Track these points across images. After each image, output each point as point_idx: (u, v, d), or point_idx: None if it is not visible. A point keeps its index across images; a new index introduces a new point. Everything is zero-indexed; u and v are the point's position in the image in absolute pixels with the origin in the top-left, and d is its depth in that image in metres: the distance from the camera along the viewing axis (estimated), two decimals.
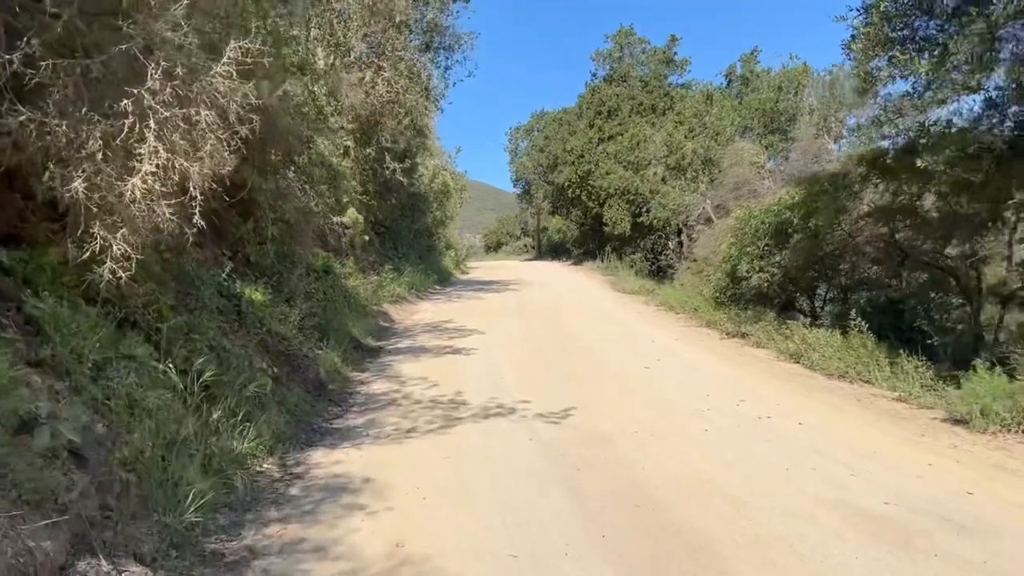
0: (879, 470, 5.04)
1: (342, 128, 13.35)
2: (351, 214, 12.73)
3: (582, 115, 34.15)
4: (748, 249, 13.02)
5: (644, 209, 27.57)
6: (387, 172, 18.14)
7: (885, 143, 10.27)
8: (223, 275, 7.15)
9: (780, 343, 9.84)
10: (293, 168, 10.19)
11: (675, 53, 30.35)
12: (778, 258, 12.88)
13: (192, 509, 3.74)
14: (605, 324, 13.25)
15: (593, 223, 36.37)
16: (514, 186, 46.25)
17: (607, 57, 32.06)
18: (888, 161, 9.85)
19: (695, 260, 23.37)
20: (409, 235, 23.04)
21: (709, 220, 23.58)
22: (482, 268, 35.74)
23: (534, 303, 17.17)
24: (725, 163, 18.06)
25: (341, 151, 12.93)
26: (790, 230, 12.78)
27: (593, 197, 30.82)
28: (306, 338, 8.63)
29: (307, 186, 11.07)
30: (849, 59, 8.96)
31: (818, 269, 12.56)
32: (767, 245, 12.96)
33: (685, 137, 23.44)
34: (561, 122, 38.08)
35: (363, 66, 14.25)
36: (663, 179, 24.29)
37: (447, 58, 17.33)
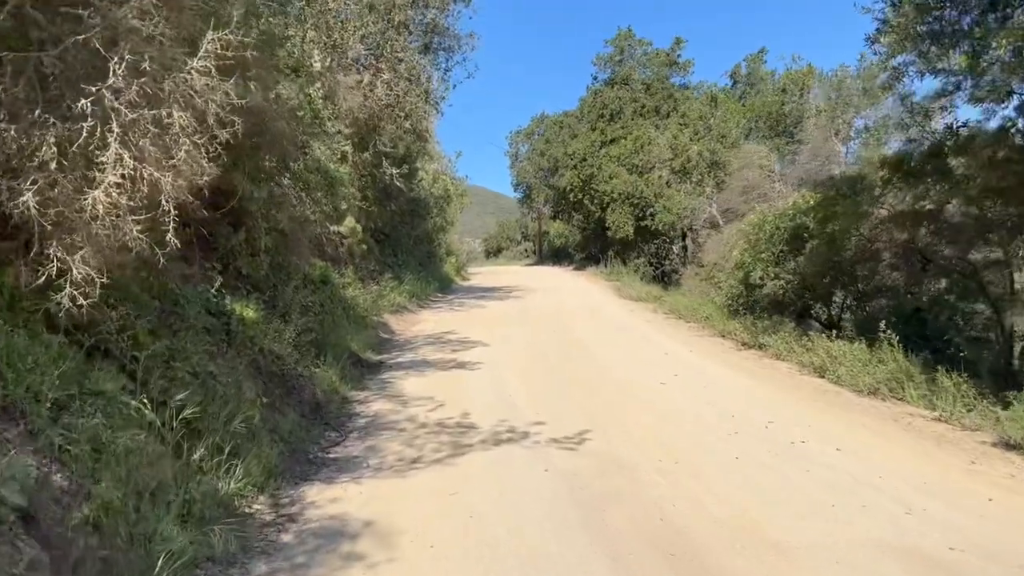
0: (936, 506, 4.54)
1: (339, 133, 12.87)
2: (349, 222, 12.24)
3: (583, 118, 33.71)
4: (763, 255, 12.54)
5: (648, 213, 27.12)
6: (386, 178, 17.65)
7: (910, 145, 9.81)
8: (212, 291, 6.66)
9: (801, 355, 9.34)
10: (288, 175, 9.71)
11: (679, 55, 29.92)
12: (792, 264, 12.42)
13: (166, 573, 3.23)
14: (614, 333, 12.75)
15: (595, 227, 35.90)
16: (515, 190, 45.85)
17: (607, 61, 31.64)
18: (913, 164, 9.36)
19: (702, 266, 22.95)
20: (409, 242, 22.56)
21: (715, 225, 23.16)
22: (483, 274, 35.24)
23: (538, 311, 16.67)
24: (734, 166, 17.59)
25: (338, 156, 12.45)
26: (805, 235, 12.32)
27: (596, 201, 30.36)
28: (302, 356, 8.14)
29: (303, 193, 10.58)
30: (875, 54, 8.47)
31: (835, 276, 12.07)
32: (782, 251, 12.49)
33: (690, 139, 22.98)
34: (562, 125, 37.65)
35: (361, 68, 13.77)
36: (668, 183, 23.82)
37: (447, 60, 16.88)
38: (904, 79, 8.29)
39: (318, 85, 13.38)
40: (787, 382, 8.46)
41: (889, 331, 8.29)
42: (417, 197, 23.36)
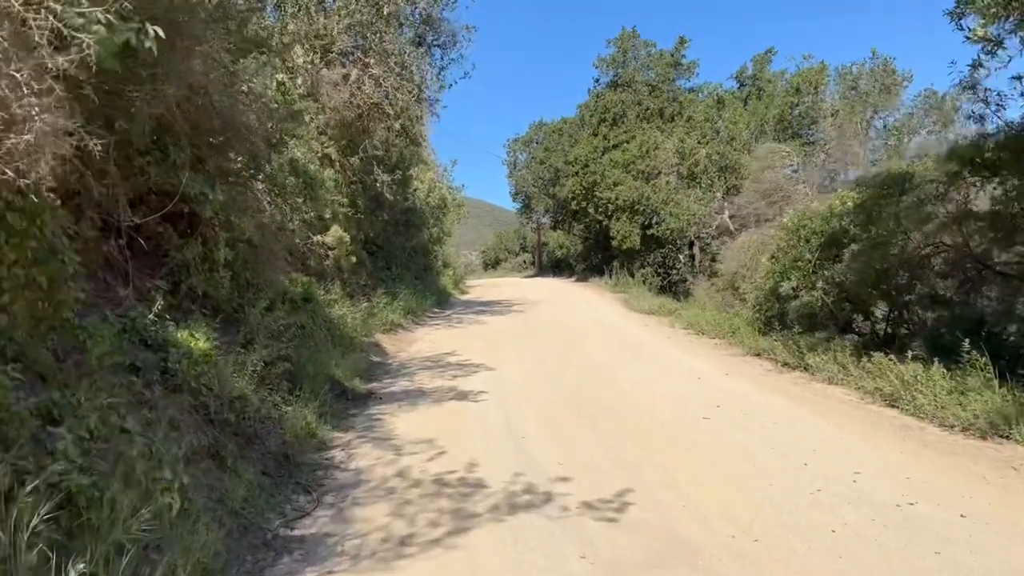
0: None
1: (323, 133, 11.56)
2: (335, 232, 10.88)
3: (584, 124, 32.50)
4: (799, 263, 11.19)
5: (655, 221, 25.83)
6: (377, 185, 16.32)
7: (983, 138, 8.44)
8: (150, 316, 5.26)
9: (861, 380, 7.96)
10: (261, 176, 8.35)
11: (683, 56, 28.73)
12: (829, 273, 11.09)
13: None
14: (633, 353, 11.36)
15: (598, 237, 34.61)
16: (513, 200, 44.57)
17: (610, 63, 30.43)
18: (991, 155, 8.02)
19: (715, 275, 21.64)
20: (404, 254, 21.18)
21: (727, 231, 21.86)
22: (481, 286, 33.88)
23: (544, 327, 15.30)
24: (753, 167, 16.31)
25: (321, 158, 11.11)
26: (845, 239, 11.00)
27: (600, 209, 29.09)
28: (271, 391, 6.74)
29: (279, 199, 9.22)
30: (960, 27, 7.07)
31: (883, 285, 10.71)
32: (819, 258, 11.15)
33: (698, 143, 21.71)
34: (561, 132, 36.47)
35: (347, 62, 12.47)
36: (675, 188, 22.53)
37: (442, 56, 15.57)
38: (998, 53, 6.90)
39: (300, 80, 12.07)
40: (855, 415, 7.06)
41: (973, 351, 6.93)
42: (412, 207, 22.02)
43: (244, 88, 7.59)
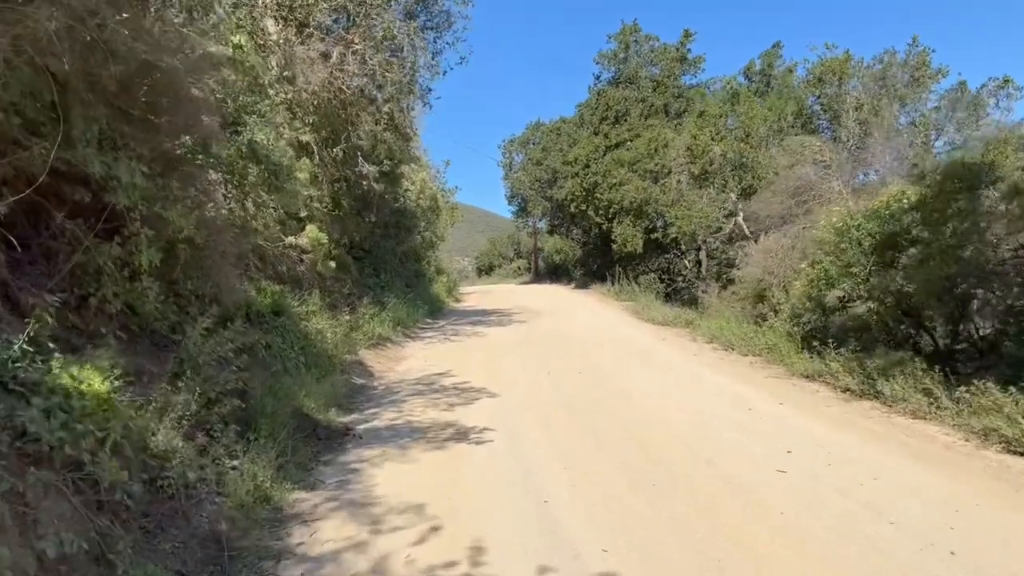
0: None
1: (298, 118, 9.95)
2: (312, 232, 9.20)
3: (584, 123, 30.99)
4: (851, 269, 9.64)
5: (661, 224, 24.33)
6: (363, 183, 14.69)
7: None
8: (16, 347, 3.62)
9: (959, 415, 6.38)
10: (213, 161, 6.71)
11: (688, 50, 27.26)
12: (885, 280, 9.56)
13: None
14: (662, 375, 9.76)
15: (598, 241, 33.04)
16: (509, 203, 42.90)
17: (611, 58, 28.94)
18: None
19: (732, 282, 20.09)
20: (394, 259, 19.52)
21: (742, 235, 20.33)
22: (476, 294, 32.22)
23: (550, 340, 13.68)
24: (783, 161, 14.76)
25: (296, 147, 9.48)
26: (905, 241, 9.47)
27: (600, 212, 27.53)
28: (212, 439, 5.11)
29: (238, 191, 7.58)
30: None
31: (949, 293, 9.17)
32: (876, 263, 9.61)
33: (711, 139, 20.18)
34: (559, 132, 34.94)
35: (327, 38, 10.83)
36: (684, 189, 20.99)
37: (435, 40, 13.96)
38: None
39: (274, 62, 10.44)
40: (975, 467, 5.46)
41: None
42: (402, 208, 20.38)
43: (188, 49, 5.98)
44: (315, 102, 10.98)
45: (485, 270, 55.81)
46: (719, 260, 23.92)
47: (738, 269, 20.27)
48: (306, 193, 9.33)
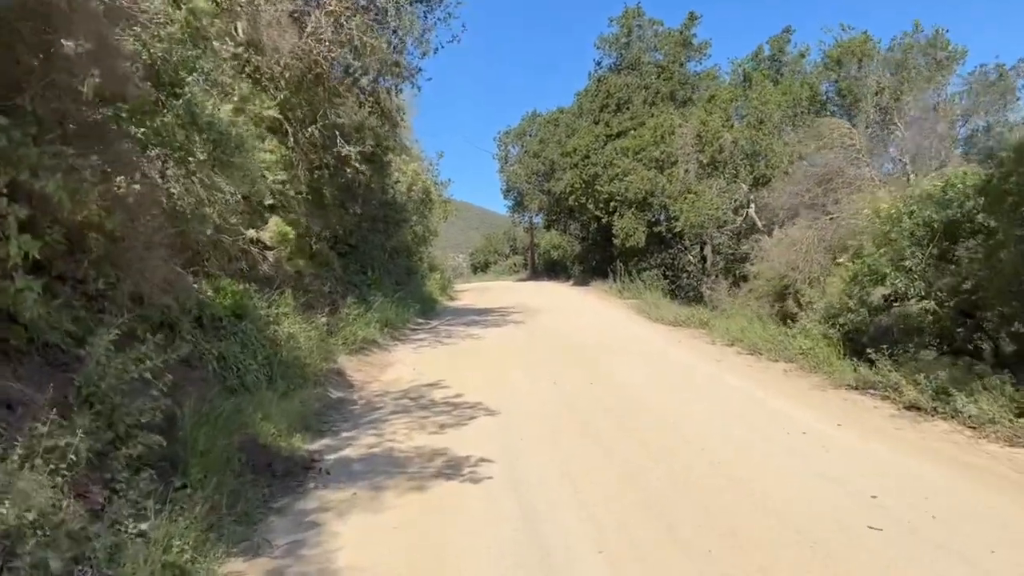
0: None
1: (263, 89, 8.58)
2: (276, 225, 7.80)
3: (583, 113, 29.64)
4: (905, 263, 8.35)
5: (666, 216, 23.03)
6: (347, 170, 13.34)
7: None
8: None
9: None
10: (143, 131, 5.37)
11: (693, 35, 25.93)
12: (944, 275, 8.30)
13: None
14: (687, 385, 8.45)
15: (597, 236, 31.73)
16: (505, 197, 41.45)
17: (613, 43, 27.56)
18: None
19: (745, 278, 18.83)
20: (383, 255, 18.16)
21: (756, 228, 19.05)
22: (472, 291, 30.88)
23: (553, 343, 12.36)
24: (810, 147, 13.44)
25: (259, 122, 8.11)
26: (968, 229, 8.20)
27: (600, 205, 26.21)
28: (111, 497, 3.77)
29: (181, 167, 6.22)
30: None
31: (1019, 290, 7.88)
32: (933, 256, 8.32)
33: (722, 126, 18.86)
34: (557, 123, 33.58)
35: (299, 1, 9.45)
36: (692, 179, 19.68)
37: (426, 15, 12.56)
38: None
39: (240, 27, 9.08)
40: None
41: None
42: (391, 200, 19.01)
43: None
44: (287, 75, 9.60)
45: (480, 267, 54.45)
46: (727, 255, 22.65)
47: (751, 264, 19.01)
48: (273, 178, 7.97)
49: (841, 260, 9.78)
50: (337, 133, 10.62)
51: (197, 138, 5.81)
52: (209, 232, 6.73)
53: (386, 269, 18.06)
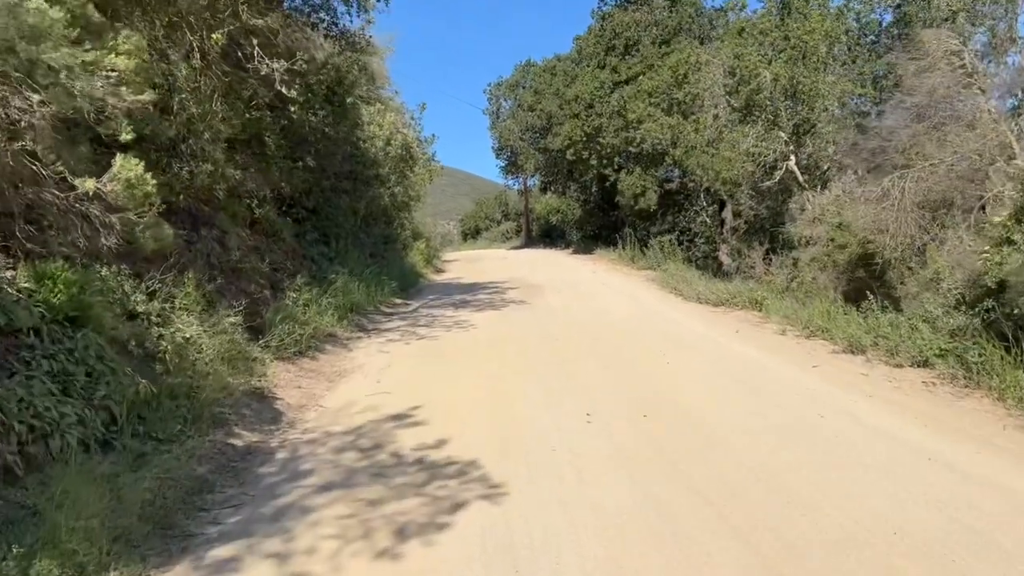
0: None
1: None
2: (125, 167, 4.68)
3: (583, 59, 26.16)
4: None
5: (684, 172, 19.87)
6: (292, 111, 10.13)
7: None
8: None
9: None
10: None
11: None
12: None
13: None
14: (799, 425, 5.39)
15: (600, 198, 28.53)
16: (497, 156, 37.88)
17: None
18: None
19: (786, 244, 15.81)
20: (352, 221, 14.94)
21: (797, 182, 15.95)
22: (461, 261, 27.66)
23: (567, 334, 9.30)
24: (910, 69, 10.27)
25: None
26: None
27: (604, 160, 22.99)
28: None
29: None
30: None
31: None
32: None
33: (759, 60, 15.57)
34: (554, 72, 30.03)
35: None
36: (723, 125, 16.43)
37: None
38: None
39: None
40: None
41: None
42: (363, 155, 15.71)
43: None
44: None
45: (471, 233, 51.06)
46: (752, 216, 19.55)
47: (793, 227, 15.96)
48: (133, 98, 4.78)
49: (997, 219, 6.67)
50: (254, 42, 7.32)
51: None
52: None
53: (356, 238, 14.86)
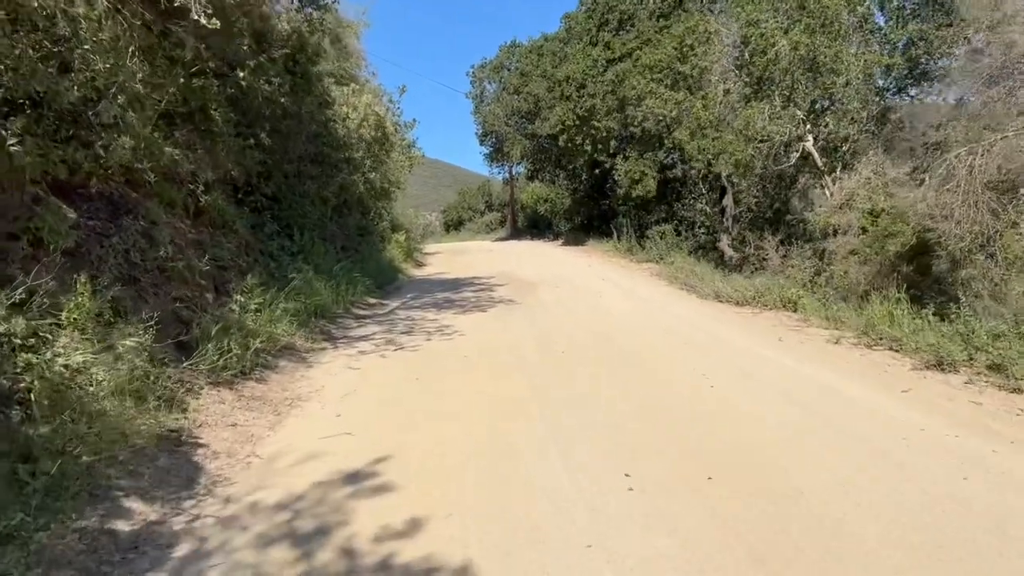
0: None
1: None
2: None
3: (572, 38, 24.50)
4: None
5: (679, 156, 18.34)
6: (240, 74, 8.44)
7: None
8: None
9: None
10: None
11: None
12: None
13: None
14: (914, 497, 3.83)
15: (591, 186, 26.93)
16: (481, 143, 36.03)
17: None
18: None
19: (804, 235, 14.40)
20: (320, 211, 13.18)
21: (815, 166, 14.48)
22: (444, 254, 25.94)
23: (572, 345, 7.69)
24: (983, 22, 8.76)
25: None
26: None
27: (599, 145, 21.38)
28: None
29: None
30: None
31: None
32: None
33: (775, 29, 13.99)
34: (541, 53, 28.31)
35: None
36: (735, 102, 14.85)
37: None
38: None
39: None
40: None
41: None
42: (330, 135, 13.95)
43: None
44: None
45: (454, 224, 49.28)
46: (757, 203, 18.07)
47: (812, 214, 14.51)
48: None
49: None
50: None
51: None
52: None
53: (324, 230, 13.12)
